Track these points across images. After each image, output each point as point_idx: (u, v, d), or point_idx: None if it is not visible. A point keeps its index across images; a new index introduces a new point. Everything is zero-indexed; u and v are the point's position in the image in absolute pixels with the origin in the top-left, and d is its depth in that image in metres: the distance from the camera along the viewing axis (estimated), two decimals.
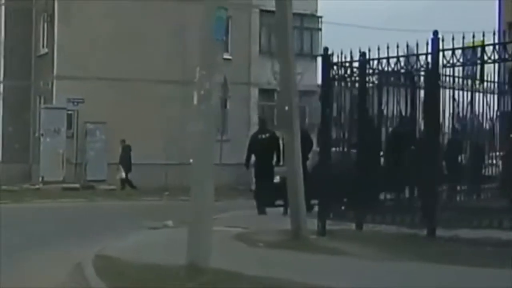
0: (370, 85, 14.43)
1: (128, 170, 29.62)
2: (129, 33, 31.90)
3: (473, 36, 12.99)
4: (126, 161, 29.82)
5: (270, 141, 18.72)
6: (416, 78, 14.29)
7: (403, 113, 14.35)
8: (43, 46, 33.27)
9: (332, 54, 14.39)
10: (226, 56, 34.50)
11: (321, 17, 38.24)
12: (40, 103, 33.08)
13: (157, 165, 31.61)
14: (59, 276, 10.74)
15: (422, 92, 14.29)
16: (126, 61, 31.81)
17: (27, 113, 33.35)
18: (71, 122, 30.94)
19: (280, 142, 17.51)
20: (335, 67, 14.45)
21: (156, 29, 32.58)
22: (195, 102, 9.73)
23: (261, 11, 35.92)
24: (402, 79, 14.39)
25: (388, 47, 13.54)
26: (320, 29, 37.97)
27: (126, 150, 30.01)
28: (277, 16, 13.49)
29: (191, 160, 9.83)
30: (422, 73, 13.84)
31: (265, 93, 35.82)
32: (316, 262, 11.29)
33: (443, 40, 13.09)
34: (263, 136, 19.14)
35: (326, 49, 14.53)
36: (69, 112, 30.67)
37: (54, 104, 30.93)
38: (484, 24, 13.05)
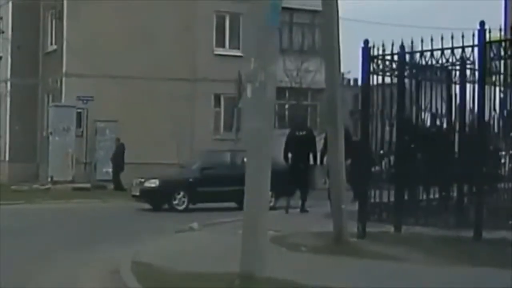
0: (413, 79, 13.76)
1: (120, 169, 28.83)
2: (138, 29, 31.19)
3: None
4: (118, 160, 29.04)
5: (306, 138, 19.01)
6: (457, 72, 13.64)
7: (448, 109, 13.70)
8: (51, 43, 32.51)
9: (373, 47, 13.68)
10: (237, 53, 33.92)
11: None
12: (48, 101, 32.31)
13: (168, 165, 30.89)
14: (96, 284, 10.08)
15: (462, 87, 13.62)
16: (136, 58, 31.10)
17: (35, 111, 32.58)
18: (81, 120, 30.16)
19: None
20: (375, 61, 13.76)
21: (166, 25, 31.87)
22: (248, 95, 8.99)
23: None
24: (439, 73, 13.76)
25: (432, 39, 12.89)
26: None
27: (120, 149, 29.21)
28: (324, 15, 12.86)
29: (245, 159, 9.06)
30: (469, 66, 13.17)
31: (277, 91, 34.91)
32: (367, 268, 10.65)
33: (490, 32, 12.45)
34: (300, 133, 19.45)
35: (366, 41, 13.81)
36: (79, 110, 29.91)
37: (63, 102, 30.16)
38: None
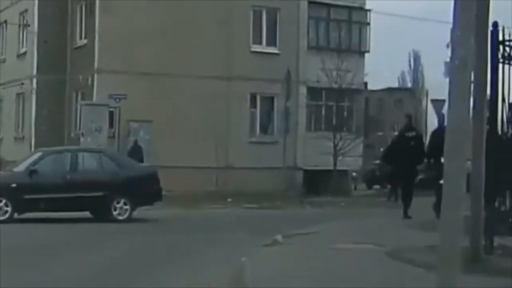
0: None
1: None
2: (173, 24, 29.36)
3: None
4: None
5: (415, 140, 18.40)
6: None
7: None
8: (80, 37, 30.46)
9: (503, 30, 11.62)
10: (274, 50, 32.09)
11: (369, 10, 35.53)
12: (77, 99, 30.28)
13: (204, 168, 29.06)
14: None
15: None
16: (170, 55, 29.32)
17: (62, 110, 30.49)
18: (113, 120, 28.11)
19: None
20: (505, 47, 11.70)
21: (201, 21, 30.02)
22: (445, 76, 6.89)
23: (310, 2, 33.31)
24: None
25: None
26: (369, 24, 35.25)
27: (137, 151, 27.00)
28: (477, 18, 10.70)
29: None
30: None
31: (313, 91, 33.14)
32: None
33: None
34: (410, 134, 18.59)
35: (495, 23, 11.74)
36: (111, 109, 27.85)
37: (95, 100, 28.12)
38: None
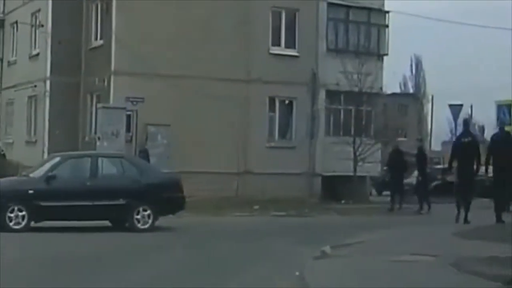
0: None
1: None
2: (191, 26, 28.40)
3: None
4: None
5: (471, 145, 18.19)
6: None
7: None
8: (96, 38, 29.39)
9: None
10: (293, 52, 31.18)
11: (388, 12, 34.56)
12: (92, 102, 29.24)
13: (224, 174, 28.07)
14: None
15: None
16: (188, 56, 28.37)
17: (76, 113, 29.41)
18: (130, 124, 27.06)
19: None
20: None
21: (220, 22, 29.04)
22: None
23: (329, 4, 32.39)
24: None
25: None
26: (387, 26, 34.30)
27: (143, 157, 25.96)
28: None
29: None
30: None
31: (332, 95, 32.20)
32: None
33: None
34: (466, 140, 18.46)
35: None
36: (128, 112, 26.80)
37: (112, 103, 27.07)
38: None
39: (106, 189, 17.77)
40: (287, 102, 31.63)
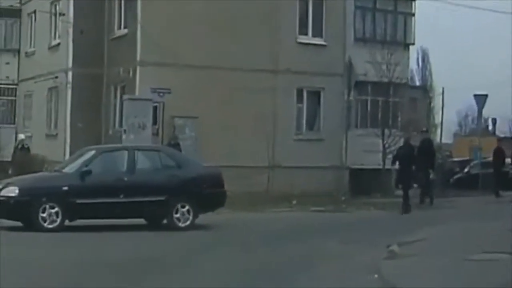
0: None
1: None
2: (219, 14, 27.26)
3: None
4: None
5: None
6: None
7: None
8: (119, 27, 28.24)
9: None
10: (320, 41, 30.16)
11: (414, 0, 33.54)
12: (115, 93, 28.13)
13: (253, 168, 27.02)
14: None
15: None
16: (214, 46, 27.21)
17: (98, 106, 28.27)
18: (156, 116, 25.94)
19: None
20: None
21: (247, 9, 27.84)
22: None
23: None
24: None
25: None
26: (413, 14, 33.28)
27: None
28: None
29: None
30: None
31: (360, 85, 31.16)
32: None
33: None
34: None
35: None
36: (154, 104, 25.69)
37: (137, 95, 25.95)
38: None
39: (144, 184, 16.68)
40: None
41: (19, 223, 16.29)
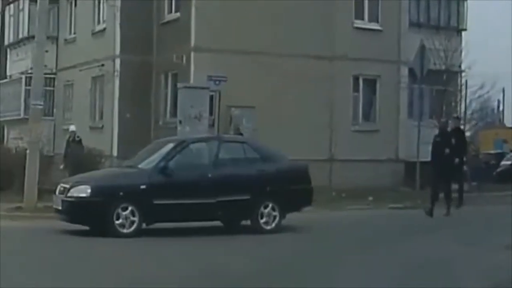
0: None
1: None
2: None
3: None
4: None
5: None
6: None
7: None
8: (169, 11, 26.44)
9: None
10: (376, 26, 28.48)
11: None
12: (166, 82, 26.34)
13: (312, 161, 25.20)
14: None
15: None
16: (270, 30, 25.52)
17: (148, 95, 26.45)
18: (212, 106, 24.14)
19: None
20: None
21: None
22: None
23: None
24: None
25: None
26: None
27: None
28: None
29: None
30: None
31: (415, 73, 29.38)
32: None
33: None
34: None
35: None
36: (210, 93, 23.89)
37: (192, 83, 24.16)
38: None
39: (230, 181, 14.80)
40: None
41: (83, 227, 14.50)
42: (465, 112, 33.34)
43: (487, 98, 37.03)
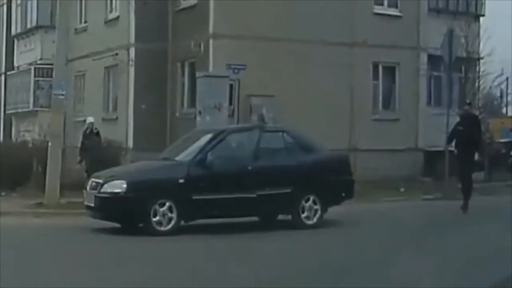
0: None
1: None
2: None
3: None
4: None
5: None
6: None
7: None
8: None
9: None
10: (395, 12, 27.68)
11: None
12: (183, 70, 25.42)
13: (334, 151, 24.47)
14: None
15: None
16: (291, 18, 24.73)
17: (163, 85, 25.54)
18: (231, 95, 23.29)
19: None
20: None
21: None
22: None
23: None
24: None
25: None
26: None
27: None
28: None
29: None
30: None
31: (433, 60, 28.67)
32: None
33: None
34: None
35: None
36: (230, 82, 23.04)
37: (211, 71, 23.29)
38: None
39: (271, 174, 13.97)
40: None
41: (113, 224, 13.68)
42: (478, 99, 32.72)
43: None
